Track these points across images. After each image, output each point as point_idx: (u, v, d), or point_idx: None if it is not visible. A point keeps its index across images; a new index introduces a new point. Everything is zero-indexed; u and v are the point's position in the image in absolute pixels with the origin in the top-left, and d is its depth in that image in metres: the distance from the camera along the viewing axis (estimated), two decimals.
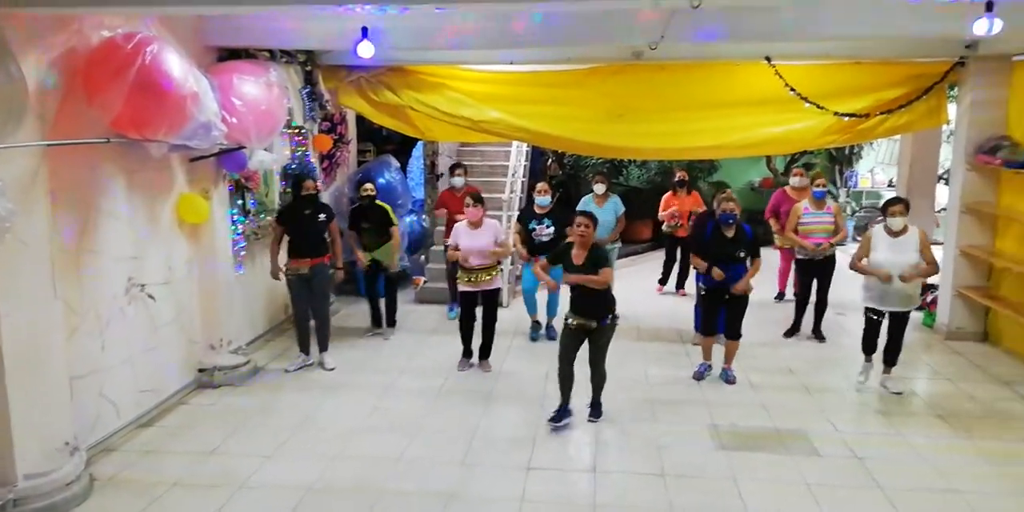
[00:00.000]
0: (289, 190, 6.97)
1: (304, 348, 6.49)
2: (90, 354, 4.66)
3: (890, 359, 5.93)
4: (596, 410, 5.32)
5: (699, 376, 6.17)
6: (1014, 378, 6.14)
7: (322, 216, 6.31)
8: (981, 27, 4.37)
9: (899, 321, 5.79)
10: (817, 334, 7.25)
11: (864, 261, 5.76)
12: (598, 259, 5.07)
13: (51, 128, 4.16)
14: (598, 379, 5.28)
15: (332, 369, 6.37)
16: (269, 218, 6.89)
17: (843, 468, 4.63)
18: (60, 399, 4.23)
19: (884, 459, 4.73)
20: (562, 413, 5.19)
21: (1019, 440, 5.02)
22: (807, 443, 4.96)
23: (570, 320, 5.08)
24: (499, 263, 6.38)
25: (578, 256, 5.08)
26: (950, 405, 5.60)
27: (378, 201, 7.14)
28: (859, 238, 12.22)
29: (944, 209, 7.72)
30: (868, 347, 6.04)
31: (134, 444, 4.96)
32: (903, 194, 8.29)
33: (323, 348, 6.51)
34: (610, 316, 5.10)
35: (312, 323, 6.51)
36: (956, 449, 4.88)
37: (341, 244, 6.64)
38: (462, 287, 6.33)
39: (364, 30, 5.32)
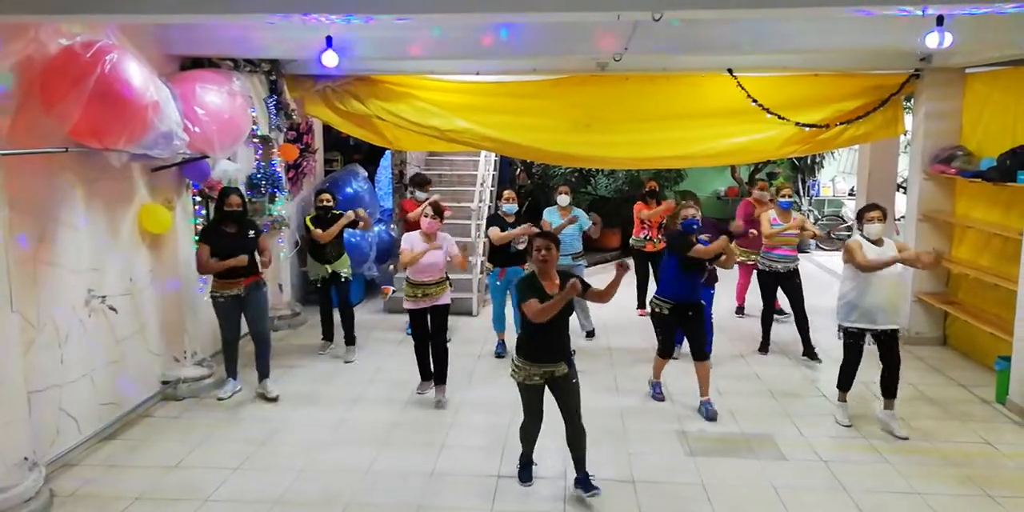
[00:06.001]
0: (249, 202, 6.49)
1: (233, 373, 6.02)
2: (48, 368, 4.56)
3: (891, 391, 5.18)
4: (589, 483, 4.32)
5: (659, 398, 5.80)
6: (971, 381, 6.30)
7: (251, 232, 5.79)
8: (933, 40, 4.49)
9: (892, 342, 5.07)
10: (810, 354, 6.79)
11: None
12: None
13: (7, 137, 4.08)
14: (579, 437, 4.32)
15: (275, 398, 5.83)
16: None
17: (809, 471, 4.70)
18: (18, 414, 4.13)
19: (848, 462, 4.82)
20: (530, 468, 4.61)
21: (977, 441, 5.14)
22: (774, 447, 5.03)
23: (532, 371, 4.21)
24: (448, 278, 5.93)
25: (550, 286, 4.23)
26: (911, 408, 5.70)
27: (337, 211, 6.90)
28: (823, 246, 12.51)
29: (902, 217, 7.90)
30: (847, 381, 5.30)
31: (96, 458, 4.86)
32: (862, 202, 8.43)
33: (264, 375, 5.95)
34: (572, 352, 4.41)
35: (247, 347, 6.04)
36: (917, 451, 4.97)
37: (272, 259, 6.23)
38: (409, 304, 5.83)
39: (328, 39, 5.30)
